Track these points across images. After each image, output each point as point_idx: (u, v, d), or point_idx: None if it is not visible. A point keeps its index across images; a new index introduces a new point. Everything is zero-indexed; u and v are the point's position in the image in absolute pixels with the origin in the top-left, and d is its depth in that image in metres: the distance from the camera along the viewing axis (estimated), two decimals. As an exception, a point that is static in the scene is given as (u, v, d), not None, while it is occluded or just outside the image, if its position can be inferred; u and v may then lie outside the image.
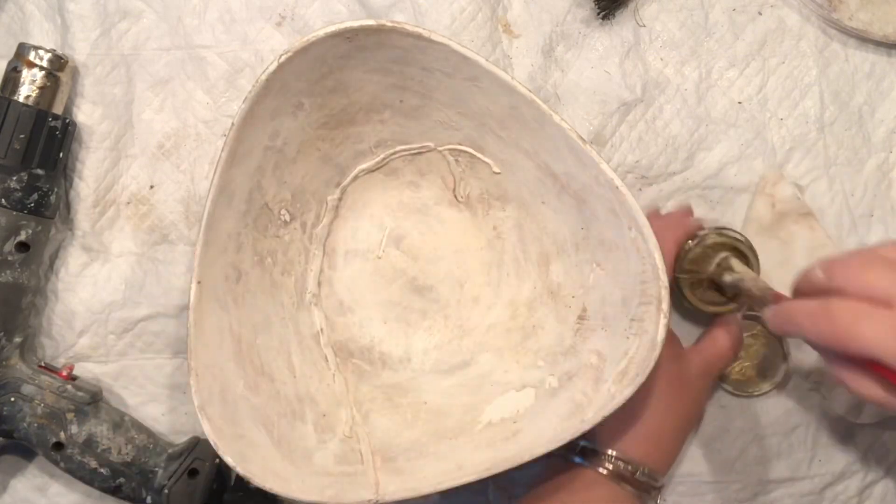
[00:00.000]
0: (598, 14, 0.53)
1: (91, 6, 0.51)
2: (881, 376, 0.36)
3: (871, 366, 0.36)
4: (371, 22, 0.40)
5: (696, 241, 0.49)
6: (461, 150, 0.49)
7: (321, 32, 0.40)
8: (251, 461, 0.41)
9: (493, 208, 0.50)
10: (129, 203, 0.52)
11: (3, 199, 0.46)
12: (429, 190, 0.51)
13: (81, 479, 0.49)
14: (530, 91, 0.41)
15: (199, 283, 0.42)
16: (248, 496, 0.50)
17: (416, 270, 0.51)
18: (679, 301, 0.49)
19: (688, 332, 0.53)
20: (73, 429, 0.48)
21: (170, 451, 0.50)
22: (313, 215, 0.50)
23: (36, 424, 0.48)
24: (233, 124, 0.41)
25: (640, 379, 0.40)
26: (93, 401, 0.49)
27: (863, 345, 0.35)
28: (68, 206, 0.52)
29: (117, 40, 0.52)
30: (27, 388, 0.48)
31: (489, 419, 0.46)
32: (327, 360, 0.49)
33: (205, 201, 0.42)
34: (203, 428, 0.40)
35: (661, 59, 0.54)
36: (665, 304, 0.40)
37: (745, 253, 0.49)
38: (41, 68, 0.48)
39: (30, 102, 0.47)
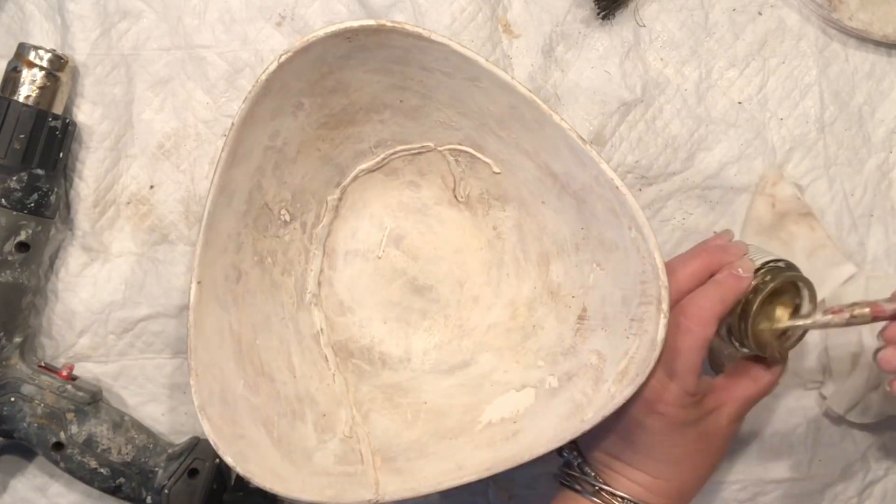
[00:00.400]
0: (598, 14, 0.53)
1: (91, 6, 0.51)
2: None
3: None
4: (371, 22, 0.40)
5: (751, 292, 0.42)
6: (461, 150, 0.49)
7: (321, 32, 0.40)
8: (251, 461, 0.41)
9: (493, 208, 0.50)
10: (129, 203, 0.52)
11: (3, 199, 0.46)
12: (429, 190, 0.51)
13: (81, 479, 0.49)
14: (530, 91, 0.41)
15: (199, 283, 0.42)
16: (248, 496, 0.50)
17: (416, 270, 0.51)
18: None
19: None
20: (73, 429, 0.48)
21: (170, 451, 0.50)
22: (313, 215, 0.50)
23: (36, 424, 0.48)
24: (233, 124, 0.41)
25: (641, 379, 0.40)
26: (93, 401, 0.49)
27: None
28: (68, 206, 0.52)
29: (117, 40, 0.52)
30: (27, 388, 0.48)
31: (489, 419, 0.46)
32: (327, 360, 0.49)
33: (205, 201, 0.42)
34: (203, 428, 0.40)
35: (661, 59, 0.54)
36: (665, 304, 0.40)
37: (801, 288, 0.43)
38: (41, 68, 0.48)
39: (30, 102, 0.47)
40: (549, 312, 0.48)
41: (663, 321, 0.40)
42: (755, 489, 0.54)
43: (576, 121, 0.53)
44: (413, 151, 0.50)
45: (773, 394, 0.54)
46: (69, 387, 0.49)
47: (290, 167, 0.47)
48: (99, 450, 0.48)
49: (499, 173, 0.49)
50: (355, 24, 0.40)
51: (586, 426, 0.41)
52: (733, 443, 0.50)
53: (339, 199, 0.50)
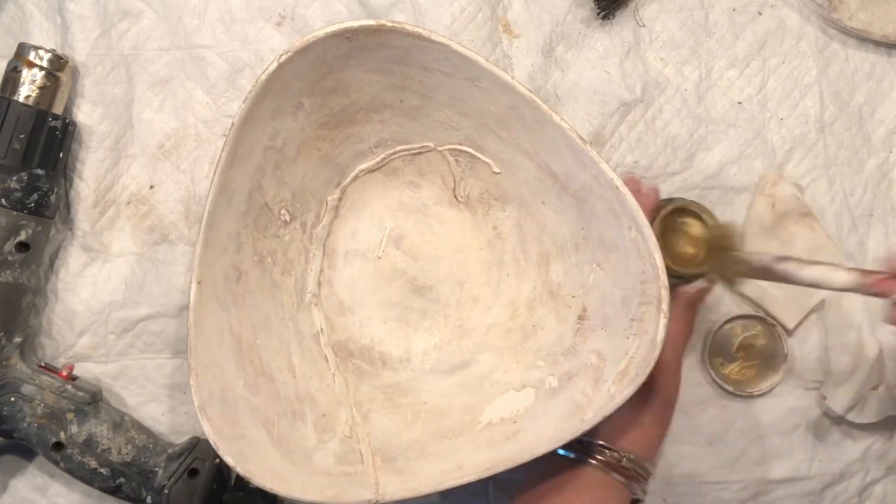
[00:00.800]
0: (598, 14, 0.53)
1: (91, 6, 0.51)
2: None
3: None
4: (371, 22, 0.40)
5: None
6: (461, 150, 0.49)
7: (321, 32, 0.40)
8: (251, 461, 0.41)
9: (493, 208, 0.50)
10: (129, 203, 0.52)
11: (3, 199, 0.46)
12: (429, 190, 0.51)
13: (81, 479, 0.49)
14: (530, 91, 0.41)
15: (199, 283, 0.42)
16: (248, 496, 0.50)
17: (416, 270, 0.51)
18: None
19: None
20: (73, 429, 0.48)
21: (170, 451, 0.50)
22: (313, 215, 0.50)
23: (36, 424, 0.48)
24: (233, 124, 0.41)
25: (641, 379, 0.40)
26: (93, 401, 0.49)
27: None
28: (68, 206, 0.52)
29: (117, 40, 0.52)
30: (27, 388, 0.48)
31: (489, 419, 0.46)
32: (327, 360, 0.49)
33: (205, 201, 0.42)
34: (203, 428, 0.40)
35: (661, 60, 0.54)
36: (665, 304, 0.40)
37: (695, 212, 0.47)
38: (41, 68, 0.48)
39: (30, 102, 0.47)
40: (549, 312, 0.48)
41: (663, 321, 0.40)
42: (755, 489, 0.54)
43: (576, 121, 0.53)
44: (413, 151, 0.50)
45: (773, 394, 0.54)
46: (69, 387, 0.49)
47: (290, 167, 0.47)
48: (99, 450, 0.48)
49: (499, 173, 0.49)
50: (355, 24, 0.40)
51: (586, 426, 0.41)
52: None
53: (339, 199, 0.50)
